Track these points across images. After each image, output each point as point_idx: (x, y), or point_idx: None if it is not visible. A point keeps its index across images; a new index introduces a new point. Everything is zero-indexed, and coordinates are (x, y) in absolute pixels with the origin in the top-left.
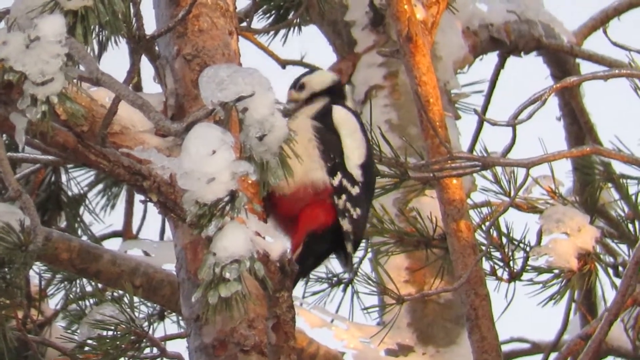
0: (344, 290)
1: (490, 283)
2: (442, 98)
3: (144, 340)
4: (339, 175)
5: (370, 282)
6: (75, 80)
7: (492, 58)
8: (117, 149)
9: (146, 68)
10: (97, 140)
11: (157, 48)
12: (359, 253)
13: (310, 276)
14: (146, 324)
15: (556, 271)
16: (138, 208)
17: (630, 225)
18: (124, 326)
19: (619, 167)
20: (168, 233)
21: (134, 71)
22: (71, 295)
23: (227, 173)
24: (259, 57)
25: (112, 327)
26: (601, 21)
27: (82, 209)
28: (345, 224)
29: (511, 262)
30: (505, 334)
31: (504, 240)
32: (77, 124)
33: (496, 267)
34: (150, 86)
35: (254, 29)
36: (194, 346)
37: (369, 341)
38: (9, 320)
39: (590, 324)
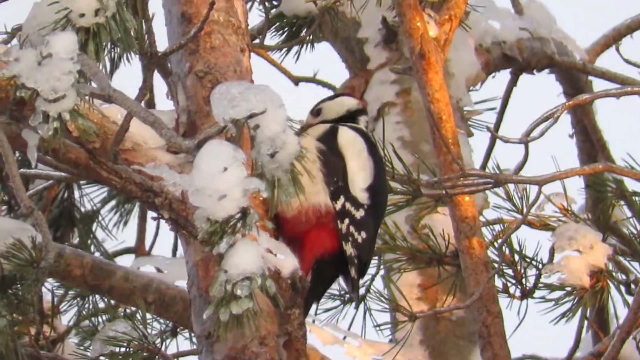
0: (356, 307)
1: (503, 300)
2: (455, 115)
3: (157, 357)
4: (341, 199)
5: (382, 299)
6: (87, 97)
7: (504, 75)
8: (129, 165)
9: (159, 85)
10: (108, 157)
11: (169, 65)
12: (372, 270)
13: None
14: (159, 340)
15: (568, 288)
16: (151, 224)
17: None
18: (136, 343)
19: (631, 184)
20: (180, 250)
21: (146, 88)
22: (84, 312)
23: (239, 190)
24: (272, 74)
25: (125, 344)
26: (614, 38)
27: (95, 225)
28: (349, 249)
29: (523, 280)
30: (518, 352)
31: (517, 257)
32: (89, 140)
33: (508, 284)
34: (163, 103)
35: (267, 45)
36: None
37: (381, 358)
38: (22, 336)
39: (602, 341)
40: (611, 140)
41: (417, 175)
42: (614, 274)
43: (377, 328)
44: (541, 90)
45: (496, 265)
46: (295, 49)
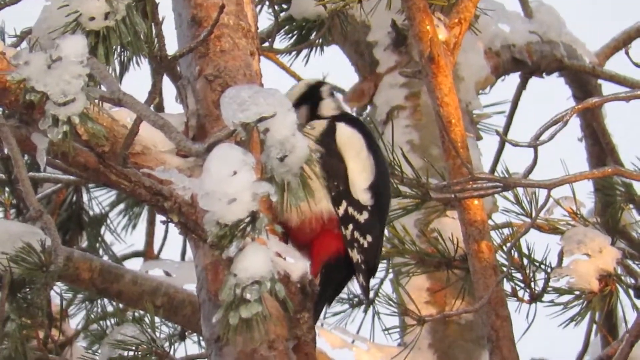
0: (365, 311)
1: (511, 304)
2: (464, 119)
3: None
4: (344, 204)
5: (391, 302)
6: (96, 101)
7: (514, 79)
8: (138, 169)
9: (168, 88)
10: (118, 160)
11: (178, 68)
12: (380, 274)
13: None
14: (167, 344)
15: (577, 292)
16: (159, 228)
17: None
18: (145, 346)
19: None
20: (189, 253)
21: (156, 91)
22: (92, 315)
23: (248, 194)
24: (281, 78)
25: (133, 348)
26: (623, 42)
27: (103, 228)
28: (355, 255)
29: (532, 283)
30: (526, 356)
31: (525, 261)
32: (98, 144)
33: (517, 288)
34: (172, 106)
35: (276, 49)
36: None
37: None
38: (30, 340)
39: (611, 345)
40: (620, 144)
41: (426, 179)
42: (622, 277)
43: (386, 332)
44: (550, 94)
45: (505, 269)
46: (304, 52)
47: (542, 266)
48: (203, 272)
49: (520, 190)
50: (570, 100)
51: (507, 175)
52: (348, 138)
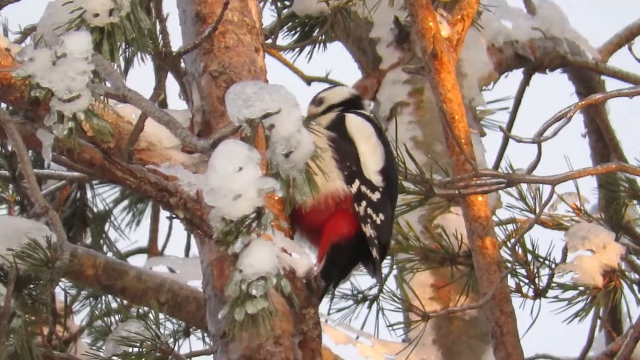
0: (369, 306)
1: (516, 300)
2: (467, 115)
3: (170, 357)
4: (357, 183)
5: (395, 298)
6: (101, 97)
7: (517, 75)
8: (144, 165)
9: (171, 85)
10: (123, 156)
11: (183, 65)
12: (384, 270)
13: (336, 293)
14: (171, 340)
15: (581, 288)
16: (163, 224)
17: None
18: (149, 343)
19: None
20: (193, 249)
21: (161, 88)
22: (96, 312)
23: (254, 190)
24: (284, 74)
25: (138, 344)
26: (626, 38)
27: (107, 225)
28: (368, 230)
29: (536, 279)
30: (531, 351)
31: (529, 257)
32: (103, 140)
33: (521, 284)
34: (176, 103)
35: (279, 45)
36: None
37: (394, 358)
38: (35, 336)
39: (615, 341)
40: (624, 140)
41: (429, 175)
42: (626, 273)
43: (390, 328)
44: (554, 90)
45: (509, 264)
46: (307, 49)
47: (546, 262)
48: (208, 268)
49: (524, 186)
50: (573, 96)
51: (510, 172)
52: (358, 125)
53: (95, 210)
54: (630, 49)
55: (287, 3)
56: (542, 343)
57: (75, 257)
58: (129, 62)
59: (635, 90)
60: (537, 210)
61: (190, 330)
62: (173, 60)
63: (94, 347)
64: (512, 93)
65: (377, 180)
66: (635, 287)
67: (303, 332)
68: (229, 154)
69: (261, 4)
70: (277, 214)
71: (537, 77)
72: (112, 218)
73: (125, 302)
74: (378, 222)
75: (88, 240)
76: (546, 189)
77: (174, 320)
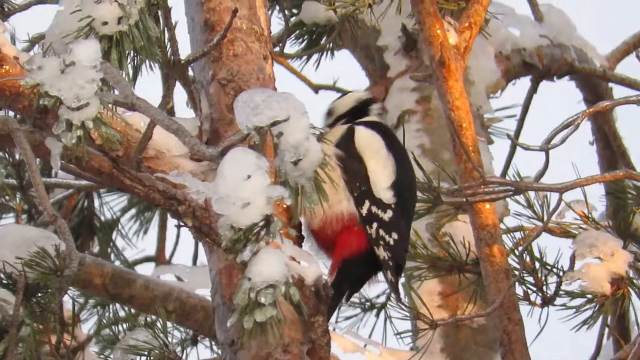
0: (377, 315)
1: (524, 308)
2: (475, 122)
3: None
4: (367, 204)
5: (403, 307)
6: (110, 105)
7: (524, 82)
8: (152, 173)
9: (179, 92)
10: (132, 164)
11: (191, 73)
12: None
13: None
14: (179, 349)
15: (589, 296)
16: (171, 233)
17: None
18: (157, 351)
19: None
20: (201, 258)
21: (169, 95)
22: (104, 320)
23: (262, 198)
24: (291, 82)
25: (146, 352)
26: (634, 45)
27: (115, 234)
28: (381, 252)
29: (544, 287)
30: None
31: (537, 265)
32: (112, 148)
33: (529, 291)
34: (183, 111)
35: (287, 53)
36: None
37: None
38: (43, 345)
39: (623, 348)
40: (631, 147)
41: (437, 183)
42: (634, 280)
43: (398, 336)
44: (561, 98)
45: (517, 272)
46: (315, 56)
47: (554, 270)
48: (217, 276)
49: (531, 194)
50: (581, 103)
51: (518, 179)
52: (366, 139)
53: (102, 218)
54: (637, 56)
55: (294, 11)
56: (550, 351)
57: (83, 266)
58: (137, 70)
59: None
60: (545, 218)
61: (198, 338)
62: (181, 68)
63: (102, 356)
64: (520, 100)
65: (388, 197)
66: None
67: (311, 340)
68: (237, 162)
69: (269, 12)
70: (285, 222)
71: (544, 85)
72: (120, 226)
73: (132, 310)
74: (391, 242)
75: (95, 248)
76: (554, 197)
77: (181, 329)
